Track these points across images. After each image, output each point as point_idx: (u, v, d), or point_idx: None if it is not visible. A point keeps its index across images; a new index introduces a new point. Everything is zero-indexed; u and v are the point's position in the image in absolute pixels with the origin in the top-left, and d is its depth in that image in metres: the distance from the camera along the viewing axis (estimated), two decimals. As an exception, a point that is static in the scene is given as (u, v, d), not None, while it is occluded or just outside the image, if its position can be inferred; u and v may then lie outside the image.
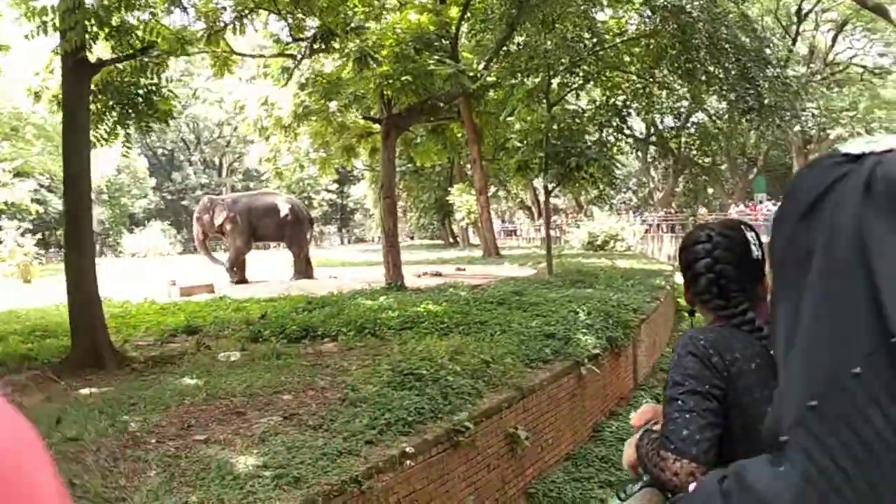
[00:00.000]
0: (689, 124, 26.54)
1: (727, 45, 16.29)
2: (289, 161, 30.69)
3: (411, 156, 29.84)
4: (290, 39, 17.54)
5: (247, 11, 15.63)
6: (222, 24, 15.83)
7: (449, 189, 34.39)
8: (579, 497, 7.87)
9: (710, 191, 40.29)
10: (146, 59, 10.88)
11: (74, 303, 9.29)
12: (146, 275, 23.16)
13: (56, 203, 40.95)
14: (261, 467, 5.60)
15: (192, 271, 22.49)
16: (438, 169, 37.12)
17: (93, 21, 9.17)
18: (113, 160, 37.17)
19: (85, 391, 8.22)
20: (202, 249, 20.62)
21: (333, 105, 22.06)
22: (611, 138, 19.16)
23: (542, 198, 51.83)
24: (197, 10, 15.82)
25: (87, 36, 9.13)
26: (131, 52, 9.81)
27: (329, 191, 53.93)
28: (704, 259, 1.79)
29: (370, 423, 6.55)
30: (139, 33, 9.66)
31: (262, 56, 19.22)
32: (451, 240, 41.71)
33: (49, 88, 12.11)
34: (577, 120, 18.11)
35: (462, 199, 31.85)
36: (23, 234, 23.60)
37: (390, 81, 15.47)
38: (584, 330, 10.49)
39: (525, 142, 18.25)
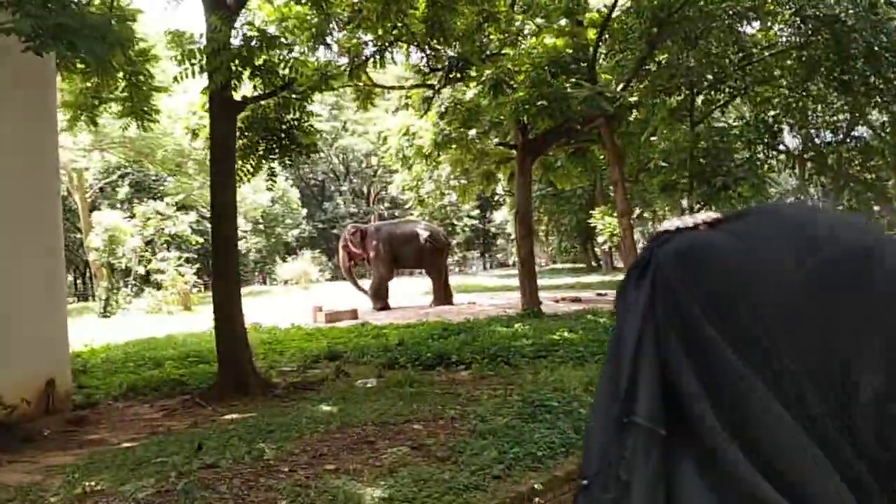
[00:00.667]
0: (849, 139, 24.85)
1: (887, 54, 15.09)
2: (430, 189, 31.16)
3: (551, 179, 29.54)
4: (427, 70, 17.92)
5: (387, 45, 16.08)
6: (363, 59, 16.36)
7: (590, 212, 33.78)
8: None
9: (877, 208, 37.41)
10: (288, 96, 11.31)
11: (221, 331, 9.72)
12: (296, 301, 24.12)
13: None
14: (387, 500, 5.57)
15: (338, 298, 23.19)
16: (579, 192, 36.59)
17: (237, 61, 9.64)
18: (267, 192, 39.15)
19: (229, 417, 8.56)
20: (348, 276, 21.26)
21: (472, 132, 22.27)
22: (760, 156, 18.19)
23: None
24: (340, 45, 16.44)
25: (231, 75, 9.60)
26: (273, 89, 10.21)
27: (471, 217, 54.34)
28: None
29: (498, 457, 6.39)
30: (281, 71, 10.03)
31: (401, 88, 19.70)
32: (593, 264, 40.93)
33: (205, 126, 12.87)
34: (724, 138, 17.29)
35: (604, 222, 31.20)
36: (183, 264, 25.24)
37: (526, 107, 15.38)
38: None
39: (668, 161, 17.63)
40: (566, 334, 11.91)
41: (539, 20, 17.27)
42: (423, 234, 22.26)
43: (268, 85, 10.12)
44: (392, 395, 8.91)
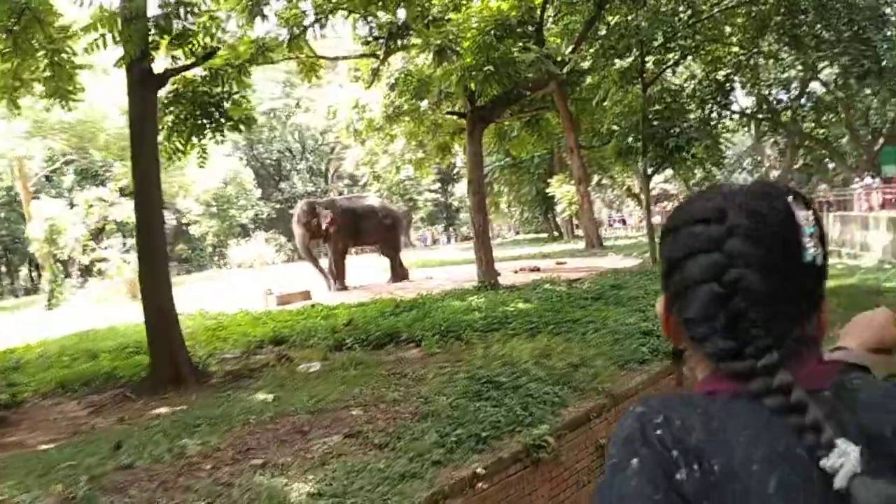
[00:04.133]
0: (802, 96, 24.69)
1: (838, 5, 14.78)
2: (386, 163, 30.57)
3: (507, 149, 29.18)
4: (371, 39, 17.26)
5: (326, 13, 15.41)
6: (302, 29, 15.68)
7: (548, 181, 33.42)
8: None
9: (832, 166, 37.57)
10: (216, 67, 10.67)
11: (150, 320, 9.16)
12: (248, 285, 23.40)
13: (170, 219, 42.55)
14: (315, 496, 5.13)
15: (293, 279, 22.52)
16: (538, 160, 36.16)
17: (153, 30, 9.00)
18: (219, 173, 38.15)
19: (159, 410, 8.03)
20: (307, 255, 20.44)
21: (424, 103, 21.69)
22: (714, 115, 17.89)
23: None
24: (279, 17, 15.73)
25: (147, 45, 8.96)
26: (193, 59, 9.57)
27: (432, 191, 53.81)
28: (707, 256, 0.93)
29: (439, 441, 5.98)
30: (201, 40, 9.40)
31: (344, 58, 19.04)
32: (554, 233, 40.64)
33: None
34: (676, 99, 16.96)
35: (562, 191, 30.87)
36: (128, 251, 24.32)
37: (473, 73, 14.84)
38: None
39: (621, 126, 17.26)
40: (520, 305, 11.52)
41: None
42: (382, 209, 21.70)
43: (188, 55, 9.46)
44: (334, 380, 8.43)
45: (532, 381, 7.21)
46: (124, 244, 24.08)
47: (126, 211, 25.49)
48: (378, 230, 20.66)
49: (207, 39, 9.50)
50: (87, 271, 24.71)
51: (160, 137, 10.58)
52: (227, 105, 11.13)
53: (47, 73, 11.07)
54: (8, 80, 11.33)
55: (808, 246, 0.93)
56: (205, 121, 10.82)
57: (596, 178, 38.51)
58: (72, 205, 26.66)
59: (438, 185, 54.40)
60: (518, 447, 6.08)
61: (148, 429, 7.01)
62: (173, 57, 9.62)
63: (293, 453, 5.95)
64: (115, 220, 26.31)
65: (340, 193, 56.24)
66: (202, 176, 33.88)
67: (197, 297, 21.03)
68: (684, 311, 0.95)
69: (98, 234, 26.70)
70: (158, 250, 9.32)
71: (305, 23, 15.63)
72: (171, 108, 10.53)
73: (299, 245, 20.61)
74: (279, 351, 10.45)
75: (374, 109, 22.99)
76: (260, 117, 58.55)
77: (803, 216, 0.94)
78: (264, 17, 15.03)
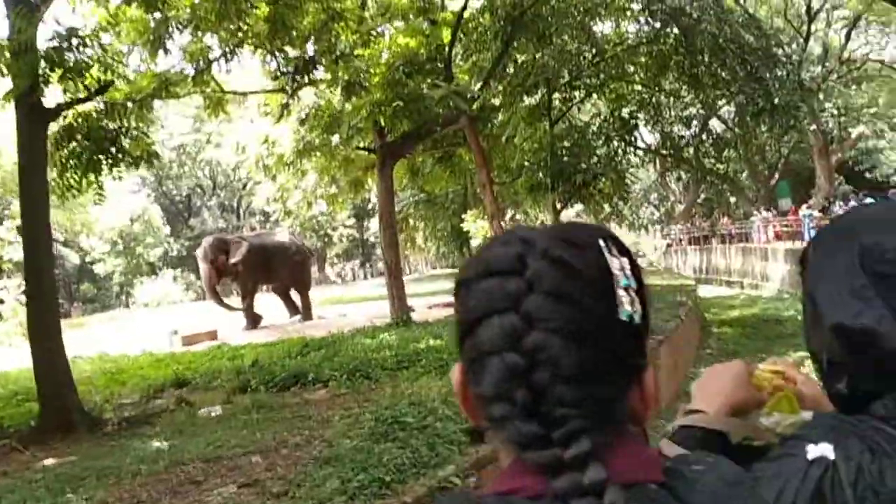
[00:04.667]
0: (703, 133, 25.64)
1: (732, 46, 15.46)
2: (298, 199, 30.14)
3: (421, 185, 29.24)
4: (279, 73, 17.07)
5: (231, 48, 15.18)
6: (207, 63, 15.40)
7: (462, 216, 33.60)
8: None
9: (733, 199, 39.11)
10: (110, 102, 10.32)
11: (39, 365, 8.66)
12: (154, 325, 22.58)
13: (74, 258, 40.95)
14: (205, 551, 4.85)
15: (200, 319, 21.86)
16: (452, 196, 36.37)
17: (43, 63, 8.63)
18: (124, 210, 36.97)
19: (47, 462, 7.54)
20: (212, 294, 19.78)
21: (335, 139, 21.54)
22: (619, 151, 18.36)
23: (560, 218, 51.09)
24: (184, 51, 15.42)
25: (37, 78, 8.58)
26: (87, 94, 9.21)
27: (347, 226, 53.45)
28: (502, 318, 0.77)
29: (341, 487, 5.76)
30: (95, 74, 9.06)
31: (251, 93, 18.79)
32: (470, 268, 40.78)
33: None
34: (583, 135, 17.34)
35: (476, 226, 31.08)
36: (24, 292, 23.06)
37: (382, 108, 14.85)
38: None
39: (530, 162, 17.52)
40: (431, 342, 11.40)
41: (392, 21, 16.80)
42: (293, 246, 21.32)
43: (81, 89, 9.10)
44: (235, 424, 8.11)
45: (439, 421, 7.07)
46: (20, 285, 22.81)
47: (19, 251, 24.34)
48: (288, 267, 20.27)
49: (102, 73, 9.15)
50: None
51: (53, 174, 10.15)
52: (125, 141, 10.76)
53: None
54: None
55: (624, 301, 0.77)
56: (101, 156, 10.39)
57: (510, 212, 38.97)
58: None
59: (353, 220, 54.09)
60: (423, 490, 5.92)
61: (32, 483, 6.57)
62: (65, 90, 9.21)
63: (186, 506, 5.64)
64: (11, 259, 25.05)
65: (253, 229, 55.32)
66: (106, 213, 32.78)
67: (99, 339, 20.18)
68: (478, 385, 0.78)
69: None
70: (47, 291, 8.83)
71: (211, 57, 15.38)
72: (65, 144, 10.08)
73: (204, 283, 19.91)
74: (180, 395, 10.02)
75: (283, 145, 22.67)
76: (169, 153, 57.43)
77: (618, 265, 0.79)
78: (167, 51, 14.71)
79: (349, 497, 5.65)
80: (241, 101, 27.05)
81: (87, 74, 9.09)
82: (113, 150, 10.56)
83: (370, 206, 47.65)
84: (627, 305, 0.78)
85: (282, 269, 20.19)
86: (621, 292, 0.78)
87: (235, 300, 21.40)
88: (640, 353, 0.81)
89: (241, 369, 11.31)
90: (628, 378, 0.80)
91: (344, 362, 10.48)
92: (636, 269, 0.83)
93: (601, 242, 0.81)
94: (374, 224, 53.60)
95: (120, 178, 10.93)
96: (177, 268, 44.75)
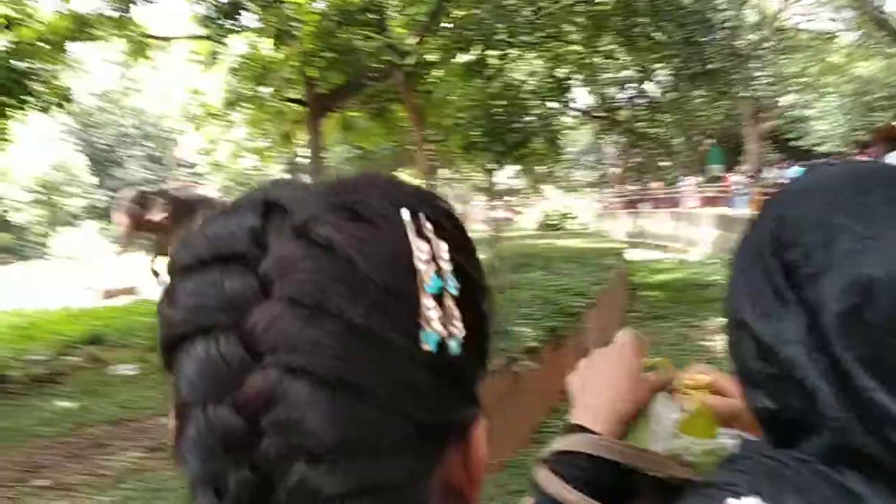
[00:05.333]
0: (638, 96, 25.79)
1: (669, 9, 15.42)
2: (227, 152, 29.32)
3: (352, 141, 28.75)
4: (205, 17, 16.39)
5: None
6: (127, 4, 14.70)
7: (396, 172, 33.32)
8: (512, 514, 6.96)
9: (666, 164, 39.68)
10: (19, 41, 9.69)
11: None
12: (74, 278, 21.74)
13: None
14: (103, 520, 4.61)
15: (124, 273, 21.08)
16: (387, 153, 35.93)
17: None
18: (46, 158, 35.44)
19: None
20: (127, 245, 18.92)
21: (266, 90, 20.87)
22: (553, 112, 18.25)
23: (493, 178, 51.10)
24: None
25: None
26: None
27: (279, 181, 52.54)
28: (212, 345, 0.46)
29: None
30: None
31: (175, 38, 18.03)
32: (404, 226, 40.54)
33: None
34: (517, 94, 17.15)
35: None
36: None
37: (313, 59, 14.38)
38: (521, 320, 9.57)
39: (463, 120, 17.28)
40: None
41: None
42: (218, 201, 20.68)
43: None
44: (149, 383, 7.80)
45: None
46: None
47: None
48: None
49: (7, 7, 8.53)
50: None
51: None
52: (34, 84, 10.14)
53: None
54: None
55: (431, 319, 0.46)
56: (5, 98, 9.76)
57: (445, 171, 38.74)
58: None
59: (287, 175, 53.14)
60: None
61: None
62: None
63: (88, 471, 5.36)
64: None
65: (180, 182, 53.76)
66: (27, 160, 31.41)
67: (15, 292, 19.35)
68: (179, 453, 0.51)
69: None
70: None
71: (134, -2, 14.68)
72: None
73: (123, 233, 18.96)
74: (92, 352, 9.60)
75: (210, 95, 21.91)
76: (93, 99, 55.18)
77: (426, 254, 0.47)
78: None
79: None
80: (165, 46, 26.07)
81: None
82: (17, 92, 9.93)
83: (302, 161, 46.83)
84: (437, 325, 0.46)
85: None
86: (427, 303, 0.47)
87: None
88: (460, 401, 0.51)
89: (156, 327, 10.89)
90: (435, 444, 0.49)
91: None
92: (466, 261, 0.52)
93: (404, 214, 0.49)
94: (308, 178, 52.80)
95: (24, 122, 10.26)
96: (101, 219, 43.24)
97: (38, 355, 10.31)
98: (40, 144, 38.38)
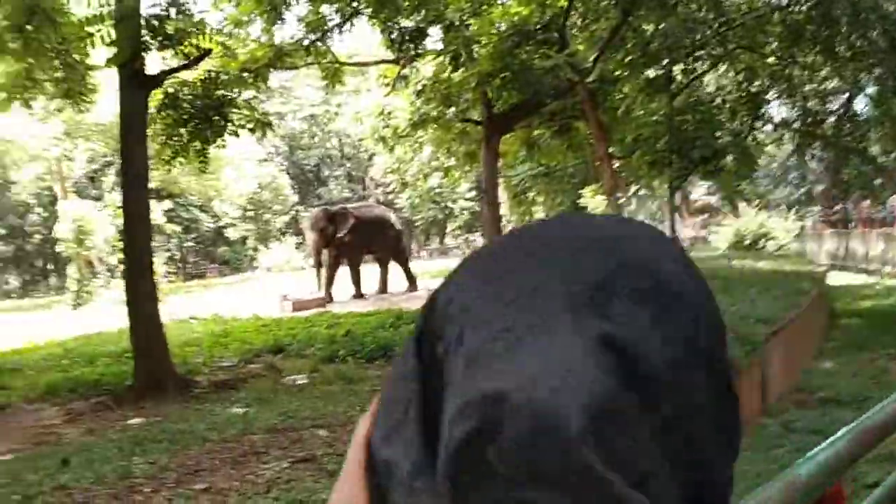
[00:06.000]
0: (845, 109, 23.73)
1: (873, 16, 14.03)
2: (415, 171, 30.31)
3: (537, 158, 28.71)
4: (390, 44, 17.03)
5: (346, 18, 15.27)
6: (320, 34, 15.56)
7: (581, 192, 32.75)
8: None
9: (878, 182, 36.27)
10: (217, 70, 10.51)
11: (134, 326, 8.96)
12: (272, 289, 23.24)
13: (208, 222, 42.93)
14: (246, 527, 4.81)
15: (316, 286, 22.24)
16: (572, 170, 35.54)
17: (144, 30, 8.83)
18: (253, 178, 38.40)
19: (134, 421, 7.81)
20: (317, 262, 20.22)
21: (451, 112, 21.36)
22: (745, 127, 17.19)
23: (689, 196, 49.05)
24: (303, 21, 15.62)
25: (139, 46, 8.79)
26: (186, 61, 9.37)
27: (468, 199, 53.44)
28: None
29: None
30: (194, 41, 9.20)
31: (364, 64, 18.87)
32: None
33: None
34: (706, 109, 16.34)
35: (595, 202, 30.23)
36: (120, 260, 24.23)
37: (490, 79, 14.51)
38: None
39: (647, 136, 16.71)
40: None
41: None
42: (393, 218, 21.52)
43: (180, 56, 9.27)
44: (314, 395, 8.15)
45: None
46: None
47: (154, 213, 25.69)
48: (391, 238, 20.49)
49: (201, 40, 9.27)
50: (114, 272, 24.87)
51: (155, 143, 10.48)
52: (230, 110, 10.94)
53: (59, 74, 11.05)
54: (20, 80, 11.31)
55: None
56: (202, 125, 10.62)
57: (633, 188, 37.70)
58: (104, 206, 26.82)
59: (474, 192, 54.06)
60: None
61: (110, 442, 6.79)
62: (163, 58, 9.42)
63: (241, 477, 5.64)
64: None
65: (378, 201, 56.26)
66: (238, 180, 34.10)
67: (220, 301, 21.02)
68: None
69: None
70: (144, 255, 9.11)
71: (325, 27, 15.51)
72: (168, 112, 10.35)
73: (313, 250, 20.35)
74: (271, 361, 10.18)
75: (399, 116, 22.72)
76: (300, 123, 59.15)
77: None
78: (283, 19, 14.94)
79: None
80: (362, 72, 27.36)
81: (185, 43, 9.21)
82: (216, 118, 10.76)
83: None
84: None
85: (381, 241, 20.40)
86: None
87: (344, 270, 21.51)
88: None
89: (333, 338, 11.38)
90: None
91: (433, 338, 10.32)
92: None
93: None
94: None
95: (223, 146, 11.09)
96: (300, 235, 46.24)
97: (227, 362, 11.09)
98: (250, 166, 41.67)
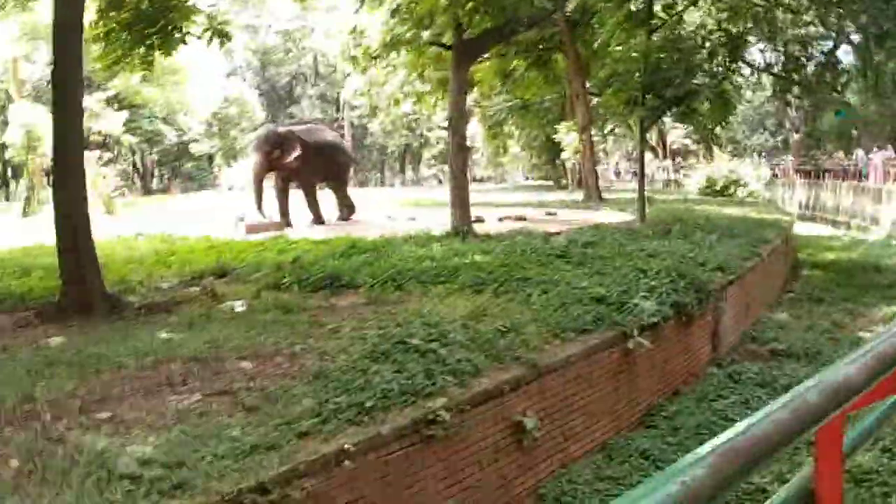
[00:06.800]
0: (828, 56, 23.24)
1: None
2: (387, 95, 29.48)
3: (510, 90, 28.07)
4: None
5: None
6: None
7: (556, 127, 32.11)
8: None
9: (855, 132, 36.10)
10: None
11: (63, 242, 8.46)
12: (229, 209, 22.62)
13: (172, 136, 41.70)
14: (143, 464, 4.46)
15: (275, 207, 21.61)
16: (548, 104, 34.83)
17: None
18: (217, 93, 37.17)
19: (53, 339, 7.39)
20: (257, 186, 19.00)
21: (426, 34, 20.55)
22: (720, 69, 16.69)
23: (666, 138, 48.65)
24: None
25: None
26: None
27: (443, 128, 52.65)
28: None
29: (314, 408, 5.29)
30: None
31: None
32: (562, 181, 39.50)
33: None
34: (681, 47, 15.79)
35: (569, 138, 29.66)
36: (106, 163, 23.43)
37: (461, 2, 13.84)
38: (644, 293, 8.78)
39: (623, 72, 16.15)
40: (477, 257, 10.72)
41: None
42: (343, 142, 20.77)
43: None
44: (248, 323, 7.76)
45: (446, 346, 6.48)
46: (101, 157, 23.16)
47: (111, 123, 24.83)
48: (341, 164, 19.75)
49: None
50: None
51: (95, 46, 9.82)
52: (178, 15, 10.22)
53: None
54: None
55: None
56: (148, 30, 9.92)
57: (609, 126, 37.10)
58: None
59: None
60: (404, 421, 5.39)
61: (21, 363, 6.39)
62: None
63: (150, 408, 5.29)
64: (99, 131, 25.45)
65: (351, 123, 55.13)
66: (201, 93, 33.01)
67: (176, 219, 20.42)
68: None
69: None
70: (74, 165, 8.54)
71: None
72: (112, 14, 9.63)
73: (255, 173, 19.15)
74: (210, 285, 9.73)
75: (370, 36, 21.82)
76: (274, 38, 57.36)
77: None
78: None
79: (322, 420, 5.18)
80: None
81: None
82: (164, 24, 10.06)
83: (467, 107, 46.64)
84: None
85: (333, 166, 19.53)
86: None
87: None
88: None
89: (280, 265, 10.96)
90: None
91: (382, 269, 9.96)
92: None
93: None
94: (471, 127, 52.51)
95: (169, 54, 10.39)
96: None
97: (166, 283, 10.64)
98: (217, 79, 40.42)
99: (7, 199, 36.26)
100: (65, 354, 6.52)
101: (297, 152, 17.93)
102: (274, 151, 18.18)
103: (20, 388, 5.54)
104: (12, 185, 45.88)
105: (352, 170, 21.72)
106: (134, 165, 44.69)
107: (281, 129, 19.97)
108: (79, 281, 8.41)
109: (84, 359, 6.33)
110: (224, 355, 6.50)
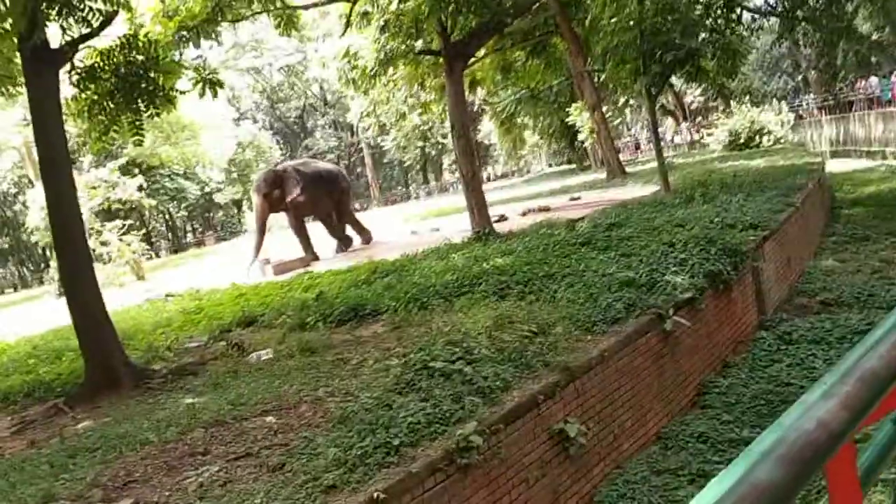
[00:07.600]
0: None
1: None
2: (391, 111, 29.31)
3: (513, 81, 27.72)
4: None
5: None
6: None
7: (567, 110, 31.58)
8: (660, 502, 5.99)
9: (874, 60, 34.94)
10: (133, 35, 9.67)
11: (78, 321, 8.34)
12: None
13: (195, 190, 42.05)
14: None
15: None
16: (557, 89, 34.34)
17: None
18: (230, 140, 37.34)
19: (83, 425, 7.26)
20: (259, 228, 18.94)
21: (419, 44, 20.34)
22: (720, 22, 16.12)
23: (684, 100, 47.74)
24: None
25: (37, 18, 7.95)
26: (90, 30, 8.52)
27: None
28: None
29: (340, 457, 5.02)
30: (95, 5, 8.34)
31: (314, 5, 17.83)
32: (584, 163, 38.90)
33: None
34: (674, 6, 15.29)
35: (581, 119, 29.15)
36: (128, 231, 23.54)
37: (443, 3, 13.57)
38: (674, 268, 8.39)
39: (614, 44, 15.72)
40: (498, 261, 10.40)
41: None
42: (340, 174, 20.69)
43: (82, 24, 8.44)
44: (275, 371, 7.57)
45: (471, 364, 6.18)
46: (123, 225, 23.32)
47: (128, 189, 25.01)
48: (340, 195, 19.61)
49: (104, 5, 8.42)
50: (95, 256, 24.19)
51: (80, 121, 9.74)
52: (154, 74, 10.09)
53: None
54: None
55: None
56: (132, 94, 9.80)
57: (622, 100, 36.44)
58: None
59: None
60: (436, 454, 5.10)
61: (44, 457, 6.25)
62: (63, 29, 8.55)
63: (173, 486, 5.08)
64: (119, 199, 25.64)
65: (369, 145, 55.08)
66: (214, 144, 33.16)
67: (206, 270, 20.46)
68: None
69: (108, 216, 26.10)
70: (75, 242, 8.42)
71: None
72: (90, 86, 9.54)
73: (257, 216, 19.15)
74: (234, 338, 9.57)
75: (364, 56, 21.66)
76: (278, 76, 57.66)
77: None
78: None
79: (347, 469, 4.92)
80: (327, 14, 26.07)
81: (88, 7, 8.35)
82: (145, 85, 9.94)
83: (476, 108, 46.26)
84: None
85: (331, 199, 19.42)
86: None
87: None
88: None
89: (305, 303, 10.77)
90: None
91: (404, 291, 9.71)
92: None
93: None
94: (485, 125, 52.07)
95: (157, 114, 10.26)
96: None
97: (194, 342, 10.52)
98: (227, 127, 40.56)
99: (42, 282, 36.86)
100: (89, 440, 6.36)
101: (299, 186, 17.91)
102: (273, 191, 18.19)
103: (42, 486, 5.39)
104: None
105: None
106: (166, 224, 45.22)
107: (277, 168, 19.93)
108: (101, 358, 8.29)
109: (108, 442, 6.17)
110: (247, 413, 6.29)
